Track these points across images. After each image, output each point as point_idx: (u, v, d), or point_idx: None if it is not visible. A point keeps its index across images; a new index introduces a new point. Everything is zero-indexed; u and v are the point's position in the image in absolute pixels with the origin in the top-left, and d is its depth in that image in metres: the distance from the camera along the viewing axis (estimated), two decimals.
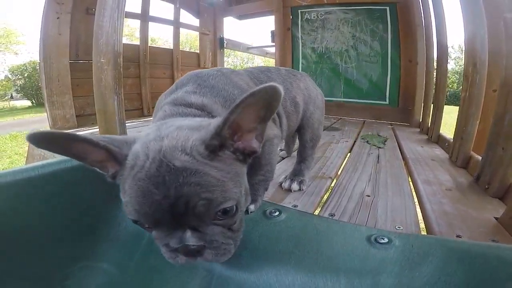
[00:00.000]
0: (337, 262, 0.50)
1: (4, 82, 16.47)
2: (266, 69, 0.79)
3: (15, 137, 6.59)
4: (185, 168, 0.37)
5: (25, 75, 15.23)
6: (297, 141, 0.95)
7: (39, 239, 0.57)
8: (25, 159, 1.83)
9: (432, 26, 1.79)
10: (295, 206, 0.73)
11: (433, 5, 1.71)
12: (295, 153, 1.02)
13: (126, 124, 1.90)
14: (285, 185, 0.82)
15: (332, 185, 0.90)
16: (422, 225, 0.70)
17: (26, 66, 15.24)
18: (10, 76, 16.40)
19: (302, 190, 0.81)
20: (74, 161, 0.61)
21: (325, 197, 0.82)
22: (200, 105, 0.53)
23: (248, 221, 0.62)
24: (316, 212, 0.73)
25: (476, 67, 1.05)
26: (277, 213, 0.65)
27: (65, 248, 0.60)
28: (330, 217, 0.68)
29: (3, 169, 4.30)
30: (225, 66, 3.49)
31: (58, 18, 1.80)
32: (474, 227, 0.65)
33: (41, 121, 8.43)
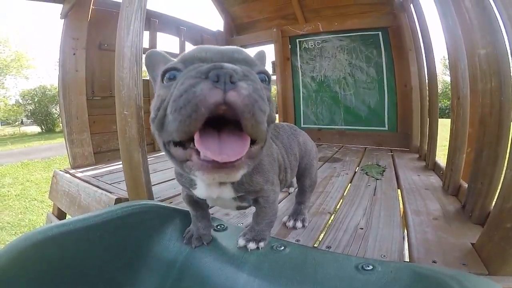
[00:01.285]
0: (329, 286, 0.61)
1: (15, 107, 16.86)
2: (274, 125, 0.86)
3: (27, 165, 6.79)
4: None
5: (35, 100, 15.62)
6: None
7: (92, 271, 0.70)
8: (49, 193, 1.95)
9: (421, 50, 1.86)
10: (297, 240, 0.83)
11: (420, 29, 1.80)
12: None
13: None
14: (290, 224, 0.92)
15: (331, 219, 0.99)
16: (407, 252, 0.80)
17: (36, 91, 15.65)
18: (21, 101, 16.81)
19: (305, 227, 0.91)
20: (119, 212, 0.77)
21: (324, 231, 0.92)
22: None
23: (259, 254, 0.74)
24: (316, 245, 0.83)
25: (460, 100, 1.14)
26: (282, 247, 0.77)
27: (111, 276, 0.72)
28: (326, 249, 0.78)
29: (16, 195, 4.50)
30: None
31: (74, 54, 1.91)
32: (450, 253, 0.74)
33: (50, 149, 8.68)
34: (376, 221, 0.95)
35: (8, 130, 16.99)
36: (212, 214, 1.04)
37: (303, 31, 2.77)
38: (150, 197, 1.03)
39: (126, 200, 1.16)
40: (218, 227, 0.90)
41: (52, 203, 1.90)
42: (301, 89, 2.88)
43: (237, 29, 3.38)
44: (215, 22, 4.28)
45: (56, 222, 0.69)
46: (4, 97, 15.62)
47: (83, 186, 1.46)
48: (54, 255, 0.65)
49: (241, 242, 0.76)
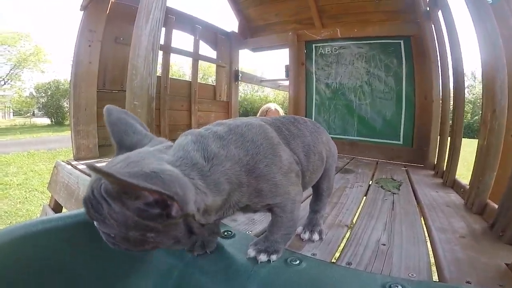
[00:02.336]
0: None
1: (28, 99, 17.19)
2: (295, 120, 0.79)
3: (32, 155, 6.84)
4: None
5: (48, 93, 15.92)
6: None
7: (83, 274, 0.64)
8: (48, 184, 1.90)
9: (448, 61, 1.77)
10: (314, 254, 0.75)
11: (448, 36, 1.70)
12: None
13: None
14: (305, 236, 0.83)
15: (349, 233, 0.91)
16: (435, 271, 0.72)
17: (50, 85, 15.97)
18: (34, 93, 17.15)
19: (322, 239, 0.82)
20: None
21: (342, 244, 0.84)
22: None
23: (271, 268, 0.65)
24: (334, 260, 0.75)
25: (495, 113, 1.05)
26: (297, 261, 0.68)
27: (101, 282, 0.67)
28: (347, 266, 0.70)
29: (18, 184, 4.51)
30: (238, 96, 3.58)
31: (89, 46, 1.89)
32: (484, 273, 0.67)
33: (57, 141, 8.73)
34: (398, 237, 0.87)
35: (19, 121, 17.31)
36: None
37: (320, 36, 2.70)
38: None
39: None
40: (225, 233, 0.81)
41: (51, 194, 1.84)
42: (314, 96, 2.80)
43: (251, 31, 3.34)
44: (230, 22, 4.26)
45: (43, 216, 0.62)
46: (19, 89, 15.96)
47: (83, 178, 1.40)
48: (35, 254, 0.58)
49: (251, 252, 0.67)
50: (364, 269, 0.69)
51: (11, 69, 14.92)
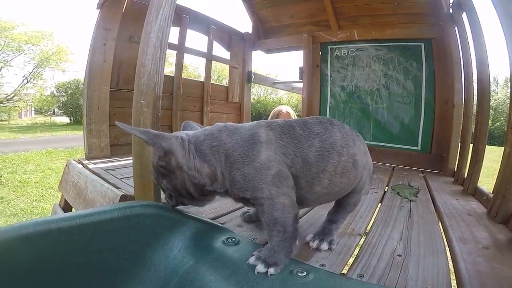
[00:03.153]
0: None
1: (49, 98, 17.75)
2: (328, 121, 0.77)
3: (50, 153, 7.04)
4: None
5: (68, 92, 16.41)
6: None
7: (74, 278, 0.62)
8: (59, 182, 1.91)
9: (472, 64, 1.69)
10: (322, 265, 0.70)
11: (473, 40, 1.62)
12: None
13: None
14: (313, 244, 0.79)
15: (361, 242, 0.85)
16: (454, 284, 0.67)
17: (70, 84, 16.46)
18: (55, 92, 17.71)
19: (331, 250, 0.77)
20: (113, 213, 0.67)
21: (354, 255, 0.78)
22: None
23: (275, 280, 0.62)
24: (345, 271, 0.69)
25: None
26: (304, 273, 0.64)
27: (102, 284, 0.65)
28: (358, 279, 0.65)
29: (35, 182, 4.63)
30: (251, 98, 3.55)
31: (104, 44, 1.89)
32: (508, 286, 0.62)
33: (75, 139, 8.97)
34: (415, 247, 0.81)
35: (40, 119, 17.91)
36: (223, 223, 0.92)
37: (337, 38, 2.63)
38: (157, 198, 0.93)
39: (132, 198, 1.07)
40: (229, 240, 0.78)
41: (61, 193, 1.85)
42: (328, 98, 2.73)
43: (265, 32, 3.30)
44: (244, 23, 4.25)
45: (37, 218, 0.60)
46: (41, 87, 16.47)
47: (91, 178, 1.40)
48: (27, 256, 0.56)
49: (252, 259, 0.66)
50: (377, 282, 0.63)
51: (34, 68, 15.41)
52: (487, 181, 5.00)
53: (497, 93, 17.46)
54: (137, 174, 0.93)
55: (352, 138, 0.76)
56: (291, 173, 0.68)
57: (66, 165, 1.79)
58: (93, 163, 1.72)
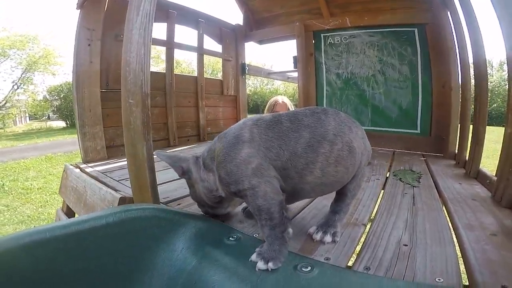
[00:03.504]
0: None
1: (42, 103, 17.54)
2: (322, 111, 0.77)
3: (50, 159, 7.00)
4: None
5: (61, 96, 16.21)
6: None
7: (80, 284, 0.61)
8: (59, 188, 1.89)
9: (467, 48, 1.67)
10: (327, 258, 0.68)
11: (466, 24, 1.61)
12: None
13: None
14: (317, 236, 0.77)
15: (366, 232, 0.84)
16: (464, 274, 0.65)
17: (62, 87, 16.24)
18: (48, 96, 17.50)
19: (335, 242, 0.76)
20: (108, 218, 0.65)
21: (359, 246, 0.77)
22: None
23: (279, 277, 0.60)
24: (350, 263, 0.68)
25: None
26: (309, 268, 0.63)
27: None
28: (365, 271, 0.63)
29: (38, 188, 4.61)
30: (246, 90, 3.52)
31: (89, 45, 1.84)
32: None
33: (73, 143, 8.85)
34: (422, 236, 0.79)
35: (35, 125, 17.77)
36: (223, 221, 0.91)
37: (329, 25, 2.58)
38: (155, 199, 0.91)
39: (131, 200, 1.05)
40: (230, 238, 0.76)
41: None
42: (325, 87, 2.70)
43: (256, 23, 3.25)
44: (234, 15, 4.19)
45: (31, 228, 0.58)
46: (32, 92, 16.25)
47: (89, 182, 1.37)
48: (27, 265, 0.54)
49: (253, 256, 0.66)
50: (385, 274, 0.61)
51: (22, 73, 15.16)
52: (488, 162, 5.01)
53: (492, 76, 17.81)
54: (133, 176, 0.91)
55: (348, 125, 0.76)
56: (278, 165, 0.70)
57: (64, 170, 1.77)
58: (90, 167, 1.70)
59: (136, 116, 0.82)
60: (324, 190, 0.78)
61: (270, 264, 0.62)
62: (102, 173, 1.55)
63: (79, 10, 1.83)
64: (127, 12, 0.88)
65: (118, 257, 0.67)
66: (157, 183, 1.31)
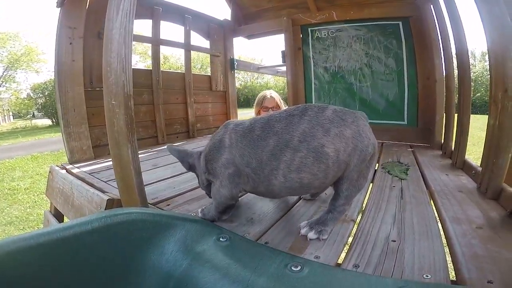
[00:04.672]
0: None
1: (26, 101, 17.10)
2: (301, 112, 0.75)
3: (36, 158, 6.84)
4: None
5: (46, 93, 15.81)
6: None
7: None
8: (46, 190, 1.85)
9: (450, 40, 1.70)
10: (317, 257, 0.69)
11: (449, 16, 1.63)
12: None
13: (140, 155, 1.95)
14: (302, 231, 0.79)
15: (355, 228, 0.85)
16: (452, 269, 0.66)
17: (46, 85, 15.83)
18: (32, 94, 17.05)
19: (320, 240, 0.76)
20: (93, 223, 0.64)
21: (348, 243, 0.77)
22: None
23: (270, 277, 0.61)
24: (340, 261, 0.69)
25: (507, 93, 0.96)
26: (299, 267, 0.63)
27: None
28: (354, 269, 0.64)
29: (25, 188, 4.51)
30: (236, 85, 3.50)
31: (71, 43, 1.79)
32: (507, 270, 0.61)
33: (60, 142, 8.64)
34: (410, 231, 0.80)
35: (20, 123, 17.29)
36: (213, 221, 0.90)
37: (316, 19, 2.58)
38: (143, 200, 0.90)
39: (119, 201, 1.04)
40: (220, 238, 0.76)
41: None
42: (313, 80, 2.71)
43: (244, 18, 3.22)
44: (222, 10, 4.14)
45: (15, 236, 0.56)
46: (15, 91, 15.83)
47: (76, 183, 1.35)
48: (12, 273, 0.53)
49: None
50: (373, 271, 0.62)
51: (3, 71, 14.73)
52: (474, 150, 5.14)
53: (475, 66, 18.35)
54: (119, 177, 0.90)
55: (328, 127, 0.71)
56: (248, 171, 0.77)
57: (50, 172, 1.73)
58: (77, 167, 1.67)
59: (119, 118, 0.80)
60: (293, 193, 0.80)
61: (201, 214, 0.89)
62: (89, 173, 1.52)
63: (59, 8, 1.77)
64: (107, 11, 0.85)
65: (106, 262, 0.66)
66: (147, 183, 1.31)
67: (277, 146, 0.71)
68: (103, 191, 1.19)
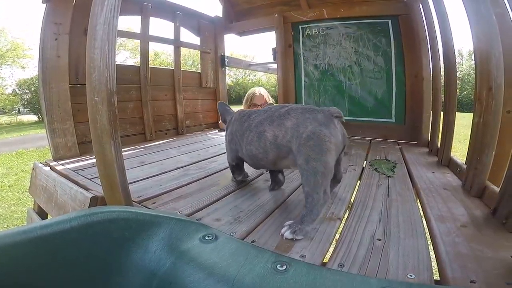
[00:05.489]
0: None
1: (11, 97, 16.69)
2: (268, 109, 1.02)
3: (21, 155, 6.68)
4: None
5: (32, 89, 15.44)
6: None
7: None
8: (29, 187, 1.81)
9: (438, 40, 1.72)
10: (303, 256, 0.69)
11: (437, 15, 1.65)
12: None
13: (127, 152, 1.93)
14: (282, 230, 0.79)
15: (342, 226, 0.85)
16: (436, 268, 0.66)
17: (33, 80, 15.46)
18: (17, 90, 16.64)
19: (294, 240, 0.76)
20: (72, 222, 0.63)
21: (334, 242, 0.77)
22: None
23: (255, 277, 0.60)
24: (326, 260, 0.69)
25: (492, 91, 0.98)
26: (284, 266, 0.63)
27: None
28: (339, 268, 0.64)
29: (9, 185, 4.40)
30: (227, 82, 3.48)
31: (56, 39, 1.74)
32: (490, 270, 0.61)
33: (46, 138, 8.50)
34: (395, 230, 0.80)
35: (5, 119, 16.84)
36: (200, 219, 0.89)
37: (307, 17, 2.58)
38: (127, 198, 0.88)
39: (103, 199, 1.02)
40: (206, 237, 0.75)
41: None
42: (303, 78, 2.71)
43: (236, 15, 3.20)
44: (214, 7, 4.10)
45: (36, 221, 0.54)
46: (0, 86, 15.39)
47: (59, 181, 1.31)
48: None
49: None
50: (358, 271, 0.62)
51: None
52: (460, 147, 5.25)
53: (462, 64, 18.71)
54: (103, 175, 0.88)
55: (273, 119, 0.94)
56: (236, 141, 1.11)
57: (33, 169, 1.69)
58: (61, 164, 1.63)
59: (102, 115, 0.78)
60: (255, 161, 1.05)
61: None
62: (74, 171, 1.48)
63: (45, 4, 1.73)
64: (91, 7, 0.83)
65: (87, 261, 0.64)
66: (133, 180, 1.29)
67: (247, 128, 1.03)
68: (87, 189, 1.17)
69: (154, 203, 1.03)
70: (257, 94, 2.97)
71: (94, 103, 0.78)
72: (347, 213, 0.94)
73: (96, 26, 0.79)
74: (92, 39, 0.80)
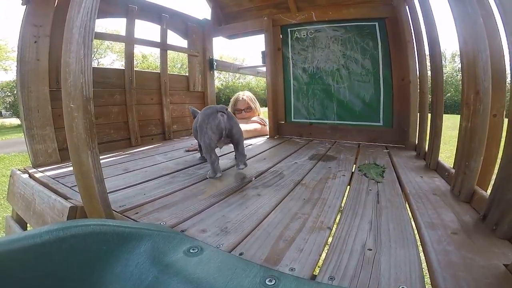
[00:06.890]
0: None
1: None
2: (208, 108, 1.45)
3: (3, 159, 6.48)
4: None
5: (14, 92, 15.02)
6: None
7: None
8: (7, 194, 1.73)
9: (424, 43, 1.72)
10: (292, 269, 0.65)
11: (423, 18, 1.65)
12: None
13: (111, 159, 1.86)
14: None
15: (331, 237, 0.82)
16: (428, 277, 0.64)
17: (15, 83, 15.02)
18: None
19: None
20: (43, 236, 0.59)
21: (324, 253, 0.74)
22: None
23: None
24: (316, 272, 0.66)
25: (480, 95, 0.96)
26: (273, 282, 0.60)
27: None
28: (329, 282, 0.61)
29: None
30: (216, 85, 3.45)
31: (35, 42, 1.67)
32: (482, 278, 0.59)
33: None
34: (386, 239, 0.78)
35: None
36: (185, 230, 0.85)
37: (296, 20, 2.58)
38: (106, 209, 0.83)
39: (82, 209, 0.96)
40: (191, 250, 0.71)
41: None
42: (292, 81, 2.69)
43: (225, 18, 3.17)
44: (202, 10, 4.07)
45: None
46: None
47: (37, 189, 1.25)
48: None
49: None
50: (349, 284, 0.59)
51: None
52: (445, 148, 5.34)
53: (445, 67, 19.24)
54: (81, 185, 0.83)
55: (198, 116, 1.52)
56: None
57: (11, 176, 1.61)
58: (40, 172, 1.55)
59: (78, 122, 0.73)
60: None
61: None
62: (54, 178, 1.42)
63: (25, 6, 1.66)
64: (68, 10, 0.78)
65: (62, 275, 0.60)
66: (115, 189, 1.24)
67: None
68: (66, 198, 1.11)
69: (137, 213, 0.98)
70: (240, 99, 3.07)
71: (70, 110, 0.73)
72: (337, 221, 0.92)
73: (72, 29, 0.75)
74: (68, 42, 0.75)
